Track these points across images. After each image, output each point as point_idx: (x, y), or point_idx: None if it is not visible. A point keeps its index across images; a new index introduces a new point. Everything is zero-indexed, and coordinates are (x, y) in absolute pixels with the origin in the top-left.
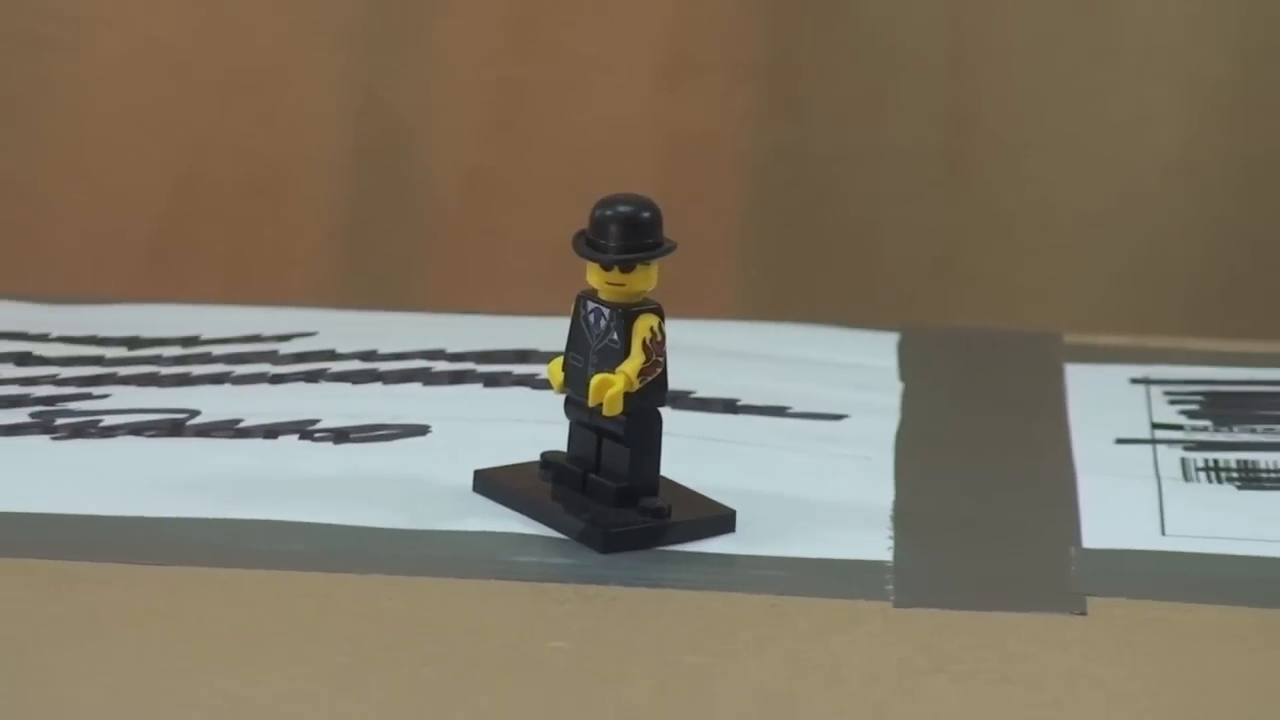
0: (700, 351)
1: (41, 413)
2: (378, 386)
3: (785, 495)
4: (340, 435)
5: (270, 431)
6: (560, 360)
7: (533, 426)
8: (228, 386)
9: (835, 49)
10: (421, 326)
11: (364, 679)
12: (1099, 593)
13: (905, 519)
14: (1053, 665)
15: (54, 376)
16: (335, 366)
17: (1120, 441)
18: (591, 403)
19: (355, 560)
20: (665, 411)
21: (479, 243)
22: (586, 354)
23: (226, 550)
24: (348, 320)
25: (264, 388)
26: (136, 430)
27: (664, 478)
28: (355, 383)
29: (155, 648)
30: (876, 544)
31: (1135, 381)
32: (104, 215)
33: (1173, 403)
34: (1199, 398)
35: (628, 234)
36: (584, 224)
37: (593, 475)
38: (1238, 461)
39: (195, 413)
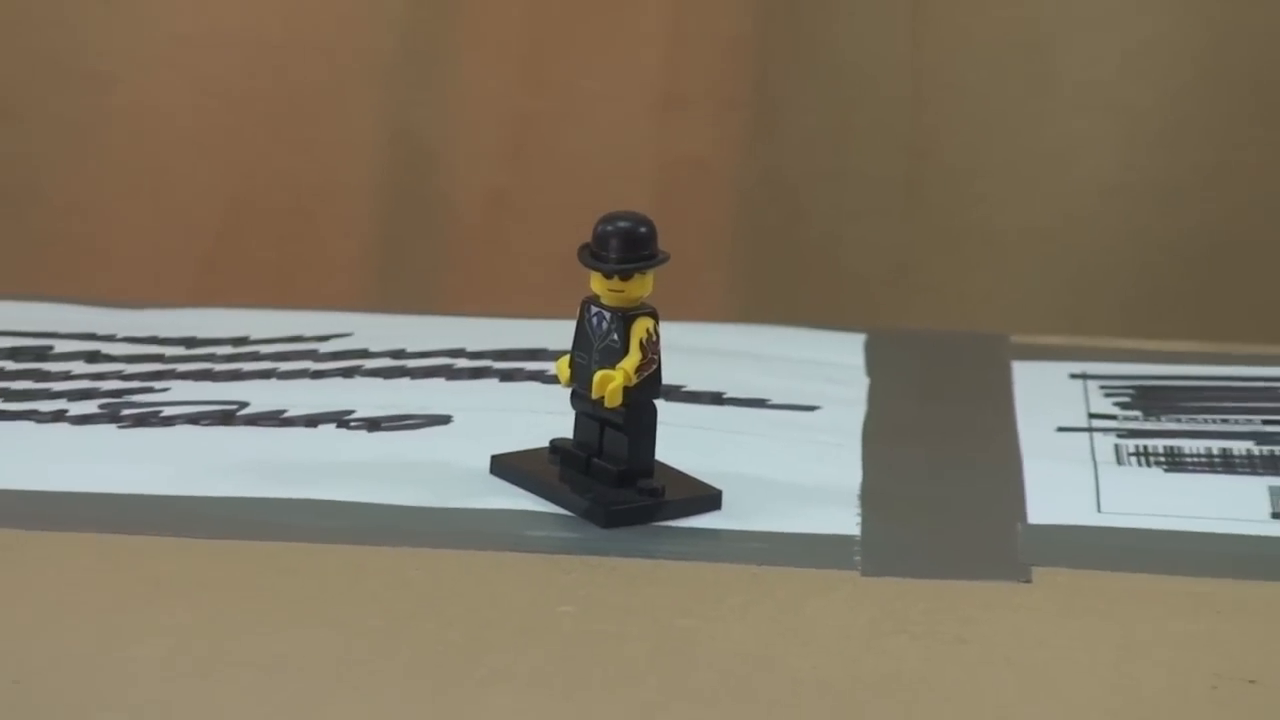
0: (690, 350)
1: (109, 404)
2: (406, 381)
3: (765, 477)
4: (373, 424)
5: (311, 421)
6: (567, 358)
7: (543, 416)
8: (273, 381)
9: (808, 86)
10: (445, 328)
11: (394, 639)
12: (1042, 563)
13: (871, 498)
14: (1002, 627)
15: (120, 373)
16: (368, 364)
17: (1061, 430)
18: (594, 396)
19: (386, 534)
20: (659, 403)
21: (495, 255)
22: (590, 352)
23: (272, 526)
24: (379, 323)
25: (305, 382)
26: (192, 420)
27: (658, 461)
28: (386, 378)
29: (208, 612)
30: (846, 520)
31: (1074, 377)
32: (165, 232)
33: (1107, 395)
34: (1130, 391)
35: (627, 247)
36: (588, 238)
37: (596, 459)
38: (1164, 448)
39: (244, 404)
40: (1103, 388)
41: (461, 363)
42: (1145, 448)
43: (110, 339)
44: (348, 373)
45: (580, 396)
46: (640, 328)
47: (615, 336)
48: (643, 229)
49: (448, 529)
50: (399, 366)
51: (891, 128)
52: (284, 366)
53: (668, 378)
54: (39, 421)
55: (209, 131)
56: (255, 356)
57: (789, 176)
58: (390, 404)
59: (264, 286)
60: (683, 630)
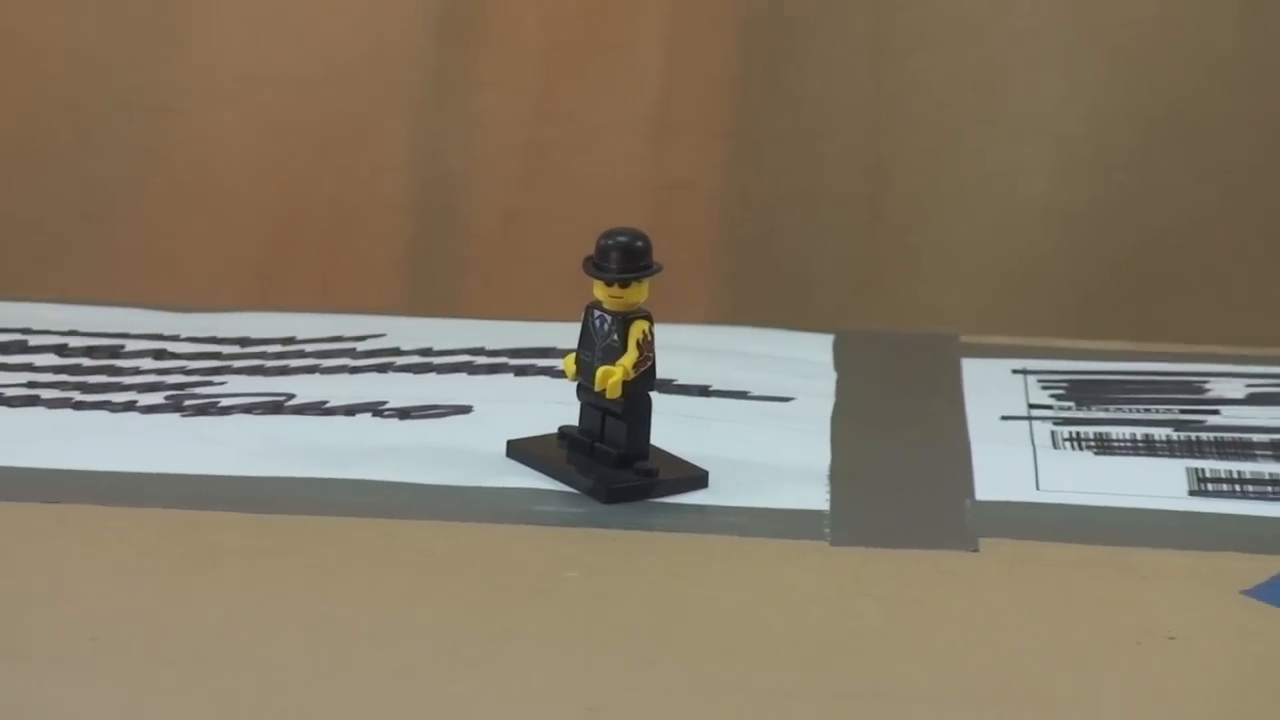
0: (681, 349)
1: (173, 396)
2: (432, 376)
3: (746, 460)
4: (403, 414)
5: (349, 411)
6: (573, 355)
7: (553, 406)
8: (317, 376)
9: (784, 116)
10: (466, 329)
11: (422, 601)
12: (988, 534)
13: (839, 477)
14: (953, 590)
15: (183, 368)
16: (399, 360)
17: (1004, 418)
18: (597, 388)
19: (415, 510)
20: (654, 395)
21: (510, 265)
22: (593, 350)
23: (315, 502)
24: (410, 325)
25: (344, 377)
26: (246, 410)
27: (653, 446)
28: (415, 373)
29: (260, 577)
30: (817, 497)
31: (1016, 372)
32: (222, 245)
33: (1044, 388)
34: (1065, 385)
35: (625, 258)
36: (592, 251)
37: (598, 444)
38: (1095, 434)
39: (291, 396)
40: (1040, 381)
41: (481, 359)
42: (1078, 434)
43: (175, 339)
44: (381, 368)
45: (585, 389)
46: (637, 329)
47: (615, 337)
48: (639, 243)
49: (468, 505)
50: (426, 363)
51: (855, 154)
52: (326, 363)
53: (661, 373)
54: (112, 411)
55: (262, 157)
56: (301, 354)
57: (766, 196)
58: (419, 396)
59: (309, 293)
60: (674, 593)
